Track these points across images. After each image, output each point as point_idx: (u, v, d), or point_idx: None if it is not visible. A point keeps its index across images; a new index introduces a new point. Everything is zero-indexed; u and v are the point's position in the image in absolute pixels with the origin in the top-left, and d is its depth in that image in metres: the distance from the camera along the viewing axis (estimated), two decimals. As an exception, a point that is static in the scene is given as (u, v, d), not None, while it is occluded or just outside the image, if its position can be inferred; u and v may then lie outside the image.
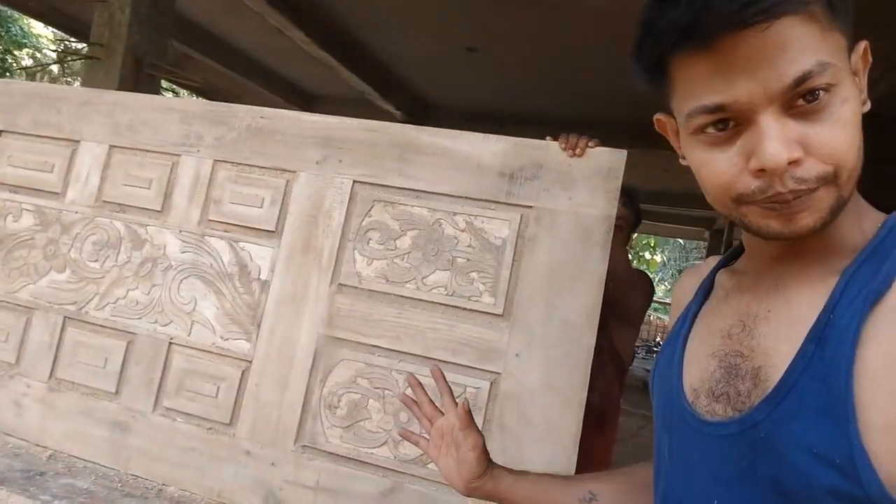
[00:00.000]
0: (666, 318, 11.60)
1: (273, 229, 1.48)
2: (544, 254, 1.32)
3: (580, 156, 1.32)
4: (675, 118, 0.57)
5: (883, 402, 0.44)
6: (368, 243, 1.42)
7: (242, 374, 1.45)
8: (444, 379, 0.85)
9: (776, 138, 0.47)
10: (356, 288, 1.41)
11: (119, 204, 1.59)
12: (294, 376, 1.41)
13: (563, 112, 6.45)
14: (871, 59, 0.53)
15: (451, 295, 1.35)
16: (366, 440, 1.36)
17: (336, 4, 4.91)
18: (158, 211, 1.56)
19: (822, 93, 0.47)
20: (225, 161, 1.53)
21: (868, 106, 0.52)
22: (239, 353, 1.46)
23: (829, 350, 0.47)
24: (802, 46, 0.47)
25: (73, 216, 1.62)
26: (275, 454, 1.40)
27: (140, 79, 3.36)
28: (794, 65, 0.46)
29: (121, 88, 3.23)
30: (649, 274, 3.26)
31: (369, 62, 6.09)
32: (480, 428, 1.29)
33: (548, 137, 1.40)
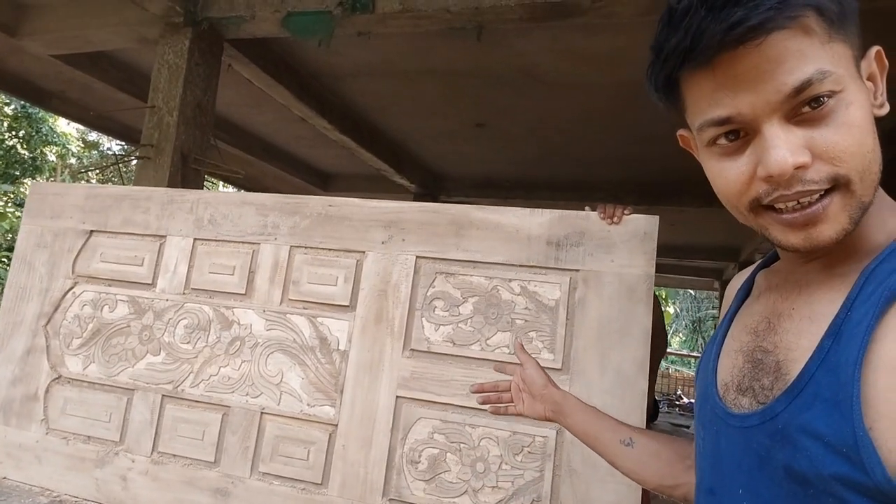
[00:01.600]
0: (684, 370, 11.77)
1: (348, 304, 1.66)
2: (594, 311, 1.49)
3: (618, 223, 1.50)
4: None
5: (893, 393, 0.45)
6: (434, 311, 1.60)
7: (330, 436, 1.62)
8: (522, 348, 1.01)
9: (781, 146, 0.48)
10: (427, 352, 1.59)
11: (206, 290, 1.79)
12: (377, 436, 1.58)
13: (570, 177, 6.70)
14: (887, 63, 0.55)
15: (512, 353, 1.52)
16: (447, 491, 1.52)
17: (355, 94, 5.25)
18: (243, 294, 1.75)
19: (826, 99, 0.48)
20: (300, 246, 1.73)
21: (886, 109, 0.53)
22: (325, 418, 1.63)
23: (843, 344, 0.49)
24: (800, 57, 0.48)
25: (165, 303, 1.82)
26: (366, 508, 1.57)
27: (186, 174, 3.63)
28: (792, 74, 0.48)
29: (170, 183, 3.51)
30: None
31: (384, 142, 6.44)
32: (551, 473, 1.45)
33: (586, 207, 1.58)
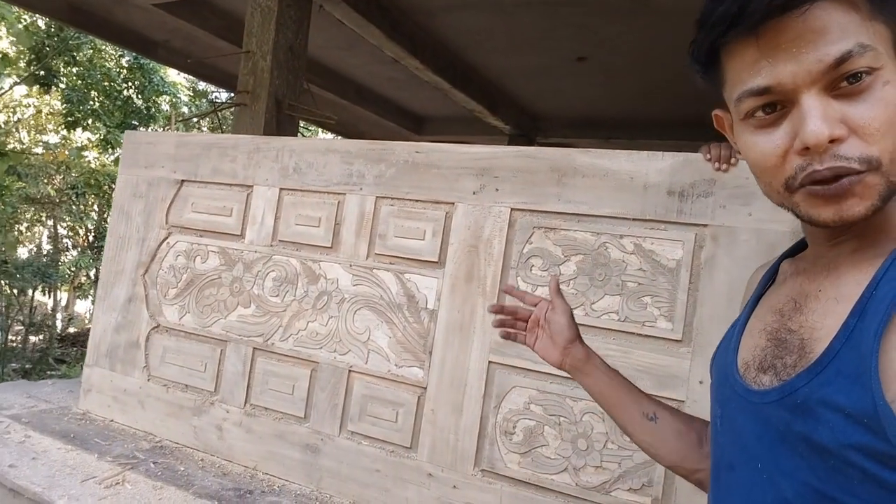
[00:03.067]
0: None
1: (436, 260, 1.52)
2: (724, 274, 1.25)
3: (726, 171, 1.24)
4: (730, 113, 0.59)
5: None
6: (531, 270, 1.43)
7: (418, 399, 1.52)
8: (558, 289, 0.88)
9: (818, 116, 0.48)
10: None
11: (293, 242, 1.71)
12: (468, 402, 1.46)
13: (679, 115, 6.10)
14: None
15: (624, 321, 1.32)
16: (544, 466, 1.38)
17: (448, 30, 4.97)
18: (329, 247, 1.66)
19: (864, 75, 0.48)
20: (386, 197, 1.59)
21: None
22: (413, 379, 1.53)
23: (867, 321, 0.49)
24: (842, 30, 0.48)
25: (254, 255, 1.76)
26: (456, 477, 1.46)
27: (281, 121, 3.59)
28: (834, 46, 0.48)
29: (265, 131, 3.48)
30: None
31: (478, 82, 6.12)
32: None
33: (702, 149, 1.32)
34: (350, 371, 1.59)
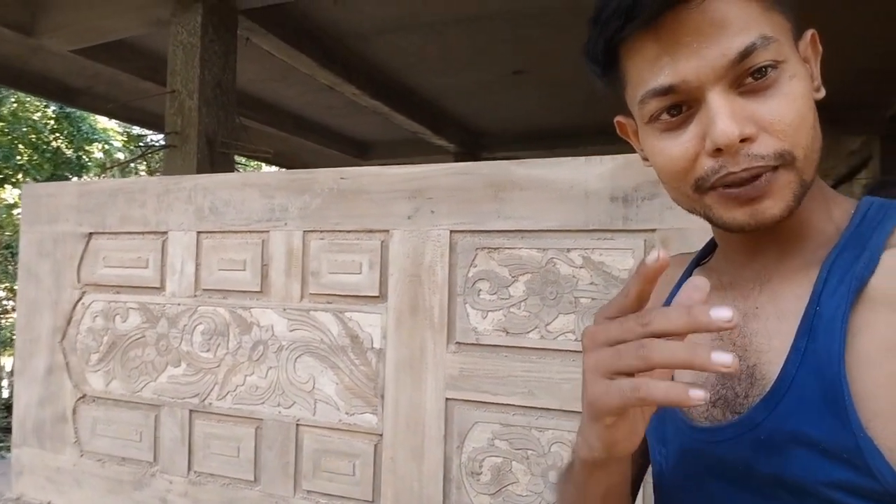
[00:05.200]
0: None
1: (377, 294, 1.35)
2: (680, 280, 1.13)
3: None
4: (633, 118, 0.54)
5: (882, 389, 0.42)
6: (479, 295, 1.27)
7: (375, 448, 1.34)
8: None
9: (726, 115, 0.44)
10: (475, 344, 1.26)
11: (218, 290, 1.51)
12: (429, 445, 1.29)
13: (619, 123, 6.13)
14: (821, 48, 0.51)
15: (580, 339, 1.19)
16: (517, 505, 1.22)
17: (382, 54, 4.84)
18: (259, 291, 1.46)
19: (769, 70, 0.45)
20: (315, 230, 1.41)
21: (822, 93, 0.50)
22: (367, 427, 1.35)
23: (819, 342, 0.45)
24: (743, 21, 0.45)
25: (177, 308, 1.55)
26: (423, 527, 1.29)
27: (215, 158, 3.36)
28: (736, 38, 0.45)
29: (199, 170, 3.24)
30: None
31: (418, 103, 6.00)
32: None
33: None
34: (298, 425, 1.40)
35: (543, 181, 1.21)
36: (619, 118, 0.59)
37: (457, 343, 1.27)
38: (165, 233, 1.57)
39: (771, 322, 0.51)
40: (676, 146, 0.48)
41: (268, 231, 1.45)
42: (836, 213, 0.52)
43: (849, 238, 0.49)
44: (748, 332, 0.52)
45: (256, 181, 1.47)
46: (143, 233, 1.59)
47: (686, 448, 0.53)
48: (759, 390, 0.49)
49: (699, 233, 1.08)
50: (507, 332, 1.23)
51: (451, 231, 1.28)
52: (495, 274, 1.25)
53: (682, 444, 0.54)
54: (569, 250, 1.19)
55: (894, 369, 0.43)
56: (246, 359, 1.46)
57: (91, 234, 1.65)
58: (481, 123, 6.93)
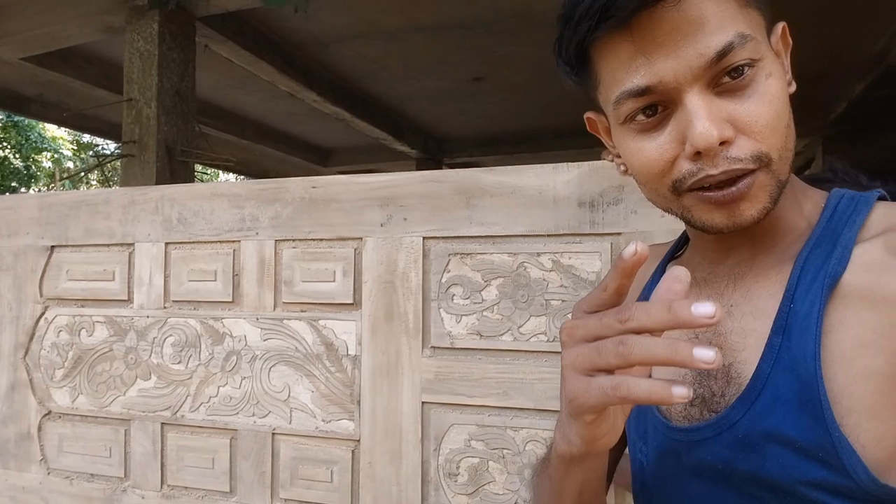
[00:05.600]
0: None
1: (351, 301, 1.36)
2: (645, 280, 1.17)
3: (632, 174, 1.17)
4: (605, 115, 0.54)
5: (858, 385, 0.42)
6: (453, 300, 1.29)
7: (353, 453, 1.34)
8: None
9: (705, 117, 0.44)
10: (450, 348, 1.28)
11: (189, 301, 1.49)
12: (406, 449, 1.30)
13: (577, 123, 6.26)
14: (791, 41, 0.50)
15: (553, 341, 1.22)
16: None
17: (343, 61, 4.85)
18: (230, 302, 1.45)
19: (746, 69, 0.45)
20: (287, 239, 1.41)
21: (794, 87, 0.49)
22: (344, 433, 1.35)
23: (794, 340, 0.45)
24: (720, 20, 0.44)
25: (146, 321, 1.52)
26: (402, 530, 1.30)
27: (175, 167, 3.29)
28: (714, 37, 0.44)
29: (158, 180, 3.17)
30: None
31: (379, 109, 6.02)
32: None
33: (605, 153, 1.25)
34: (274, 434, 1.40)
35: (513, 188, 1.24)
36: (589, 114, 0.59)
37: (432, 347, 1.29)
38: (132, 244, 1.54)
39: (746, 320, 0.50)
40: (653, 148, 0.48)
41: (238, 241, 1.44)
42: (806, 206, 0.52)
43: (821, 233, 0.49)
44: (723, 331, 0.51)
45: (225, 191, 1.46)
46: (108, 245, 1.56)
47: (665, 447, 0.53)
48: (736, 389, 0.48)
49: (663, 235, 1.13)
50: (481, 336, 1.25)
51: (424, 238, 1.30)
52: (468, 279, 1.27)
53: (660, 444, 0.53)
54: (539, 254, 1.23)
55: (867, 366, 0.42)
56: (219, 369, 1.44)
57: (53, 247, 1.60)
58: (442, 129, 6.99)
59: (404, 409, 1.30)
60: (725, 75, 0.45)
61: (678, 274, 0.37)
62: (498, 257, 1.25)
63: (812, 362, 0.44)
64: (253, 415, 1.41)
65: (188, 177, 3.54)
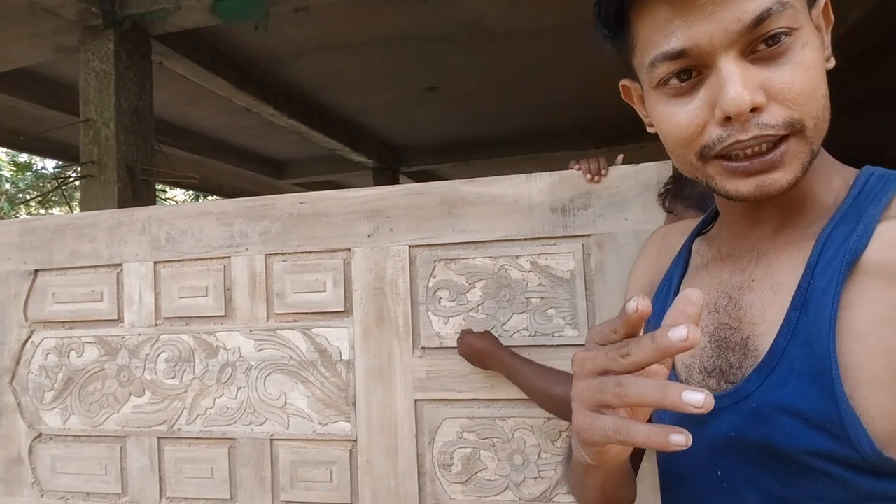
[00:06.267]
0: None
1: (342, 309, 1.43)
2: (614, 276, 1.29)
3: (598, 182, 1.30)
4: (639, 83, 0.53)
5: (871, 360, 0.43)
6: (440, 303, 1.39)
7: (351, 453, 1.41)
8: None
9: (738, 82, 0.43)
10: (439, 348, 1.38)
11: (181, 317, 1.53)
12: (402, 444, 1.38)
13: (529, 128, 6.47)
14: (833, 17, 0.49)
15: (534, 335, 1.33)
16: (487, 489, 1.34)
17: (299, 75, 4.87)
18: (223, 315, 1.50)
19: (783, 37, 0.44)
20: (277, 253, 1.47)
21: (832, 63, 0.48)
22: (342, 434, 1.42)
23: (811, 315, 0.45)
24: None
25: (138, 339, 1.56)
26: (402, 521, 1.38)
27: (136, 187, 3.27)
28: (752, 2, 0.43)
29: (120, 200, 3.14)
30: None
31: (336, 120, 6.06)
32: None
33: (571, 163, 1.37)
34: (272, 440, 1.45)
35: (491, 197, 1.35)
36: (624, 82, 0.57)
37: (422, 348, 1.38)
38: (120, 265, 1.57)
39: (766, 295, 0.50)
40: (684, 113, 0.47)
41: (229, 257, 1.50)
42: (835, 182, 0.51)
43: (846, 210, 0.48)
44: (743, 305, 0.52)
45: (214, 209, 1.51)
46: (95, 266, 1.58)
47: (683, 416, 0.52)
48: (753, 361, 0.49)
49: (628, 236, 1.26)
50: (468, 334, 1.35)
51: (410, 246, 1.39)
52: (453, 282, 1.37)
53: (679, 413, 0.57)
54: (518, 257, 1.34)
55: (881, 342, 0.43)
56: (214, 382, 1.49)
57: (37, 271, 1.61)
58: (398, 138, 7.07)
59: (398, 408, 1.38)
60: (762, 42, 0.44)
61: (691, 297, 0.37)
62: (480, 261, 1.36)
63: (826, 337, 0.44)
64: (250, 423, 1.46)
65: (150, 196, 3.51)
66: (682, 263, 0.61)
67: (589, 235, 1.30)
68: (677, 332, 0.34)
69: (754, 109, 0.44)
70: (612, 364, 0.39)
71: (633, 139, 5.98)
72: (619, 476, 0.56)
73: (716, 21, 0.44)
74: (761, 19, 0.43)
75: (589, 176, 1.30)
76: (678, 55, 0.46)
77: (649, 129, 0.55)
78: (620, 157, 1.36)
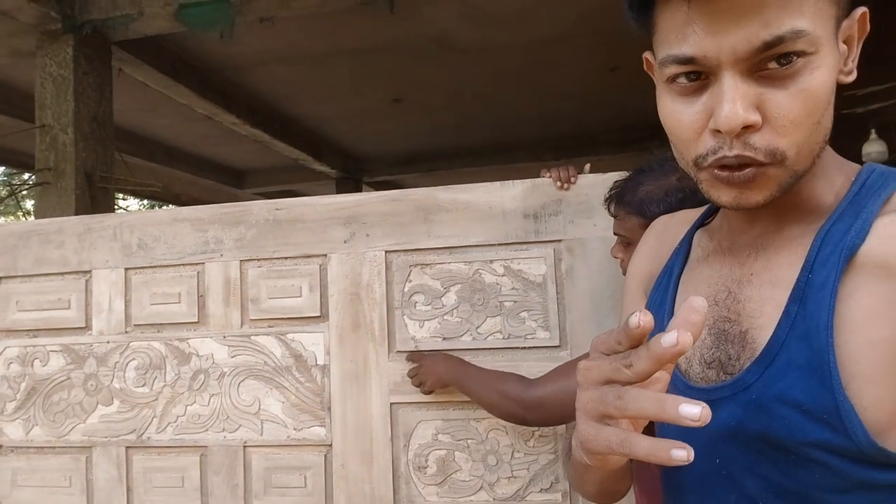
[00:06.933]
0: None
1: (318, 314, 1.44)
2: (584, 280, 1.35)
3: (568, 190, 1.35)
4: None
5: (864, 353, 0.44)
6: (416, 307, 1.42)
7: (325, 457, 1.42)
8: None
9: (734, 99, 0.44)
10: (415, 351, 1.41)
11: (152, 324, 1.51)
12: (377, 448, 1.40)
13: (490, 141, 6.59)
14: (868, 27, 0.49)
15: (508, 338, 1.37)
16: (461, 490, 1.36)
17: (262, 84, 4.85)
18: (196, 322, 1.49)
19: (795, 57, 0.44)
20: (252, 259, 1.47)
21: (853, 76, 0.49)
22: (316, 439, 1.42)
23: (809, 309, 0.46)
24: (782, 9, 0.43)
25: (106, 347, 1.52)
26: (377, 524, 1.39)
27: (94, 195, 3.19)
28: (767, 27, 0.43)
29: (78, 208, 3.06)
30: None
31: (299, 130, 6.04)
32: (562, 450, 1.33)
33: (542, 172, 1.42)
34: (245, 447, 1.44)
35: (466, 203, 1.39)
36: (647, 55, 0.57)
37: (397, 352, 1.40)
38: (89, 272, 1.54)
39: (764, 289, 0.52)
40: (687, 114, 0.49)
41: (203, 263, 1.49)
42: (838, 181, 0.52)
43: (846, 206, 0.49)
44: (742, 298, 0.53)
45: (188, 216, 1.51)
46: (62, 273, 1.55)
47: None
48: (751, 353, 0.50)
49: (597, 242, 1.32)
50: (444, 338, 1.38)
51: (386, 251, 1.42)
52: (429, 287, 1.40)
53: None
54: (491, 261, 1.38)
55: (876, 335, 0.44)
56: (186, 389, 1.47)
57: (0, 278, 1.57)
58: (362, 149, 7.08)
59: (374, 412, 1.40)
60: (773, 60, 0.45)
61: (696, 306, 0.38)
62: (455, 266, 1.39)
63: (824, 331, 0.45)
64: (223, 430, 1.45)
65: (109, 204, 3.42)
66: (682, 255, 0.62)
67: (560, 241, 1.36)
68: (668, 338, 0.36)
69: (747, 128, 0.45)
70: (616, 374, 0.40)
71: (590, 151, 6.16)
72: (618, 473, 0.58)
73: (728, 37, 0.44)
74: (771, 45, 0.44)
75: (559, 183, 1.35)
76: (687, 61, 0.47)
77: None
78: (587, 165, 1.42)
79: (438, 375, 1.29)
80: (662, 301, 0.61)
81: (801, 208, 0.52)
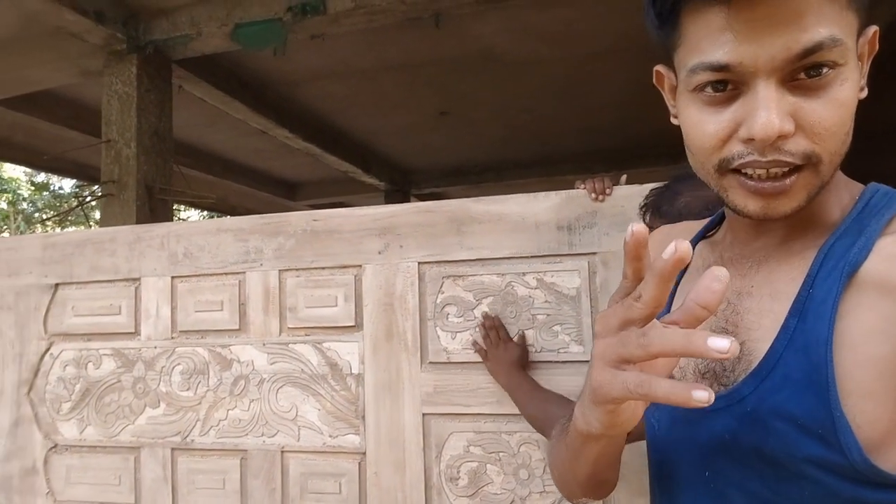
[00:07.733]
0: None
1: (353, 324, 1.46)
2: (619, 293, 1.32)
3: (603, 201, 1.33)
4: (674, 73, 0.52)
5: (862, 369, 0.44)
6: (448, 318, 1.42)
7: (359, 465, 1.43)
8: None
9: (772, 108, 0.44)
10: (446, 363, 1.40)
11: (196, 331, 1.57)
12: (409, 458, 1.40)
13: (537, 154, 6.57)
14: (878, 46, 0.49)
15: (540, 351, 1.35)
16: (493, 503, 1.36)
17: (313, 99, 4.99)
18: (237, 329, 1.54)
19: (825, 69, 0.44)
20: (290, 269, 1.52)
21: (866, 93, 0.49)
22: (351, 447, 1.44)
23: (809, 323, 0.46)
24: (818, 17, 0.43)
25: (154, 351, 1.60)
26: (408, 535, 1.39)
27: (154, 206, 3.35)
28: (805, 34, 0.43)
29: (138, 218, 3.22)
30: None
31: (349, 143, 6.18)
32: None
33: (577, 183, 1.40)
34: (283, 452, 1.48)
35: (499, 215, 1.39)
36: (659, 68, 0.56)
37: (430, 363, 1.40)
38: (138, 279, 1.61)
39: (764, 301, 0.51)
40: (712, 124, 0.48)
41: (244, 272, 1.54)
42: (844, 199, 0.52)
43: (850, 224, 0.49)
44: (741, 310, 0.53)
45: (230, 226, 1.56)
46: (113, 280, 1.63)
47: (677, 414, 0.55)
48: (745, 365, 0.50)
49: (632, 253, 1.28)
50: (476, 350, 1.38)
51: (420, 263, 1.43)
52: (461, 298, 1.40)
53: (673, 410, 0.55)
54: (524, 274, 1.37)
55: (874, 352, 0.44)
56: (227, 394, 1.52)
57: (58, 284, 1.66)
58: (410, 162, 7.16)
59: (406, 422, 1.40)
60: (803, 71, 0.44)
61: (718, 274, 0.37)
62: (487, 278, 1.39)
63: (824, 346, 0.45)
64: (262, 435, 1.49)
65: (167, 215, 3.59)
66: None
67: (594, 253, 1.33)
68: (667, 250, 0.36)
69: (781, 137, 0.45)
70: (629, 311, 0.39)
71: (639, 163, 6.03)
72: (615, 451, 0.56)
73: (765, 45, 0.44)
74: (810, 52, 0.43)
75: (594, 195, 1.33)
76: (721, 68, 0.45)
77: (673, 121, 0.55)
78: (624, 177, 1.39)
79: (496, 375, 1.30)
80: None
81: (808, 223, 0.52)
